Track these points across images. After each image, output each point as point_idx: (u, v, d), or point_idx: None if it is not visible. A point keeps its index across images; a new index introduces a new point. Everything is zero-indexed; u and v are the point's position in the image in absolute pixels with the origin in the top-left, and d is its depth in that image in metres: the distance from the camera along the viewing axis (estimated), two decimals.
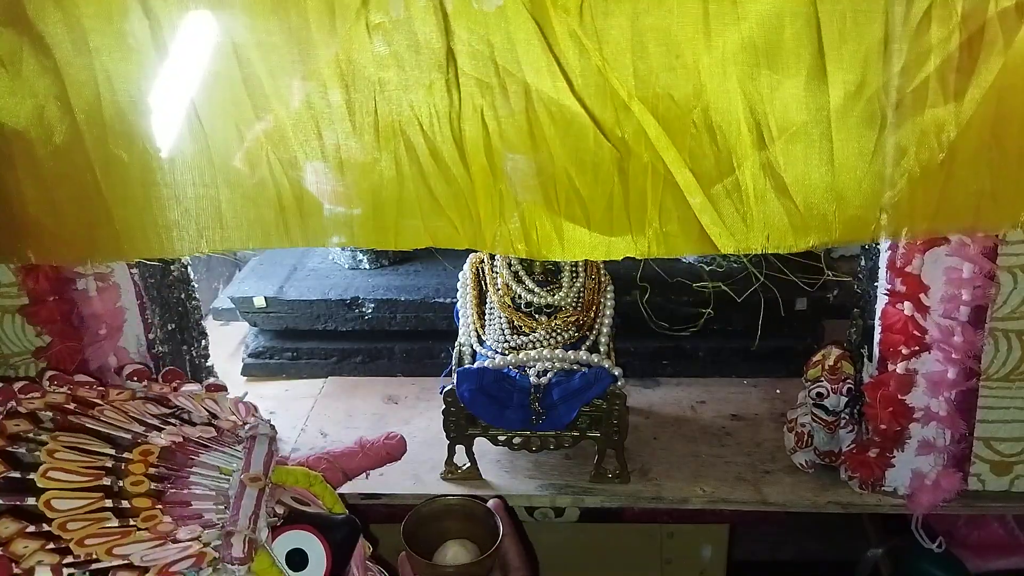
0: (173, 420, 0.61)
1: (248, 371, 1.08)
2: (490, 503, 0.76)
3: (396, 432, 0.88)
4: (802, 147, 0.58)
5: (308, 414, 1.00)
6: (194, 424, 0.61)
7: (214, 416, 0.63)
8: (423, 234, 0.64)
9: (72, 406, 0.59)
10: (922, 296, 0.72)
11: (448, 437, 0.86)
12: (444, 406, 0.84)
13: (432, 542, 0.73)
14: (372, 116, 0.59)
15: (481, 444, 0.86)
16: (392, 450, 0.87)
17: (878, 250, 0.76)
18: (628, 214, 0.61)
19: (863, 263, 0.83)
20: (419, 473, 0.88)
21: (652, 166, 0.60)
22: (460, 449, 0.86)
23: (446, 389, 0.84)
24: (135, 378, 0.65)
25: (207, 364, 0.98)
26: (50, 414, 0.57)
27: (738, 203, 0.60)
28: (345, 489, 0.85)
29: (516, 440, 0.85)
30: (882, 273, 0.75)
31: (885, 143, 0.59)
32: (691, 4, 0.56)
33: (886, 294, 0.74)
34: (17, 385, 0.59)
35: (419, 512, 0.74)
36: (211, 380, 0.67)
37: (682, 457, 0.90)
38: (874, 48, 0.56)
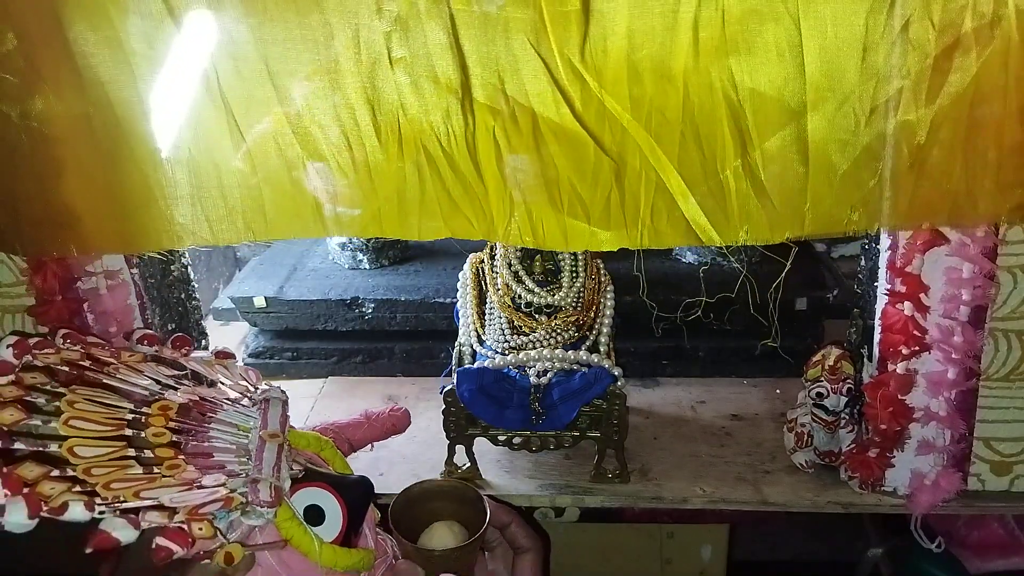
0: (186, 381, 0.61)
1: None
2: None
3: (401, 406, 0.87)
4: (779, 152, 0.64)
5: (308, 414, 1.00)
6: (208, 387, 0.61)
7: (225, 381, 0.63)
8: (443, 228, 0.70)
9: (87, 363, 0.58)
10: (922, 296, 0.72)
11: (448, 437, 0.86)
12: (444, 406, 0.84)
13: (420, 524, 0.73)
14: (396, 134, 0.66)
15: (481, 444, 0.86)
16: (397, 422, 0.87)
17: (878, 250, 0.76)
18: (624, 213, 0.68)
19: (863, 263, 0.83)
20: (419, 473, 0.88)
21: (645, 174, 0.66)
22: (460, 449, 0.86)
23: (446, 389, 0.84)
24: (145, 342, 0.65)
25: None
26: (66, 369, 0.57)
27: (721, 202, 0.66)
28: None
29: (516, 440, 0.85)
30: (882, 273, 0.75)
31: (857, 146, 0.63)
32: (683, 34, 0.61)
33: (886, 294, 0.74)
34: (32, 340, 0.58)
35: (407, 493, 0.73)
36: (220, 347, 0.67)
37: (682, 457, 0.90)
38: (853, 60, 0.60)
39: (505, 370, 0.84)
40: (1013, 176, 0.62)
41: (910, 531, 0.82)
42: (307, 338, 1.09)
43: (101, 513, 0.49)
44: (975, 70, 0.59)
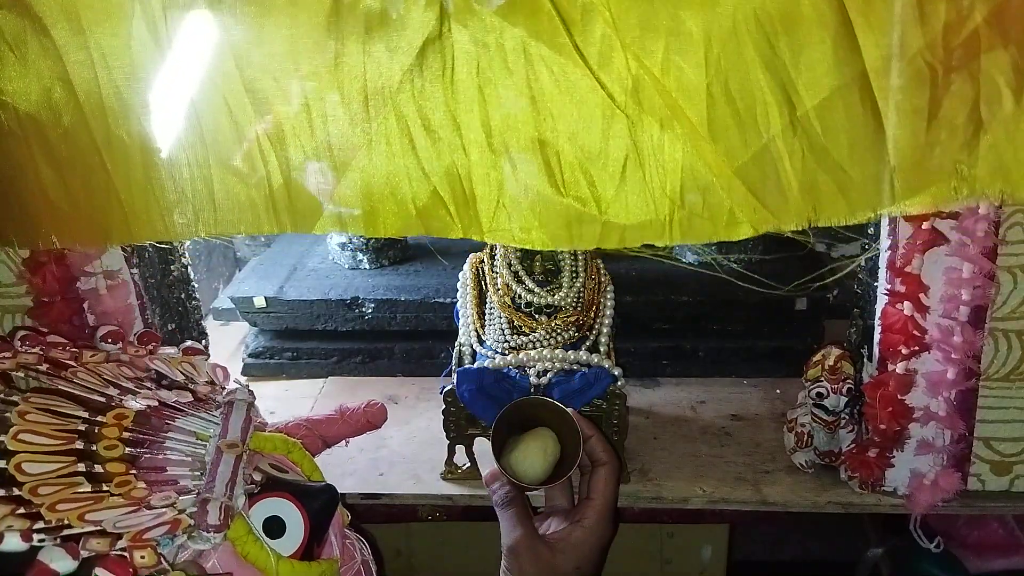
0: (148, 384, 0.59)
1: (248, 371, 1.08)
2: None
3: (377, 400, 0.86)
4: (841, 111, 0.53)
5: (308, 414, 0.99)
6: (170, 388, 0.59)
7: (191, 380, 0.61)
8: (413, 220, 0.61)
9: (44, 367, 0.57)
10: (922, 296, 0.72)
11: (448, 437, 0.86)
12: (444, 406, 0.84)
13: (523, 428, 0.75)
14: (362, 84, 0.56)
15: (481, 444, 0.86)
16: (372, 417, 0.85)
17: (878, 250, 0.76)
18: (645, 196, 0.56)
19: (863, 263, 0.83)
20: (419, 473, 0.88)
21: (668, 142, 0.54)
22: (460, 449, 0.86)
23: (446, 389, 0.84)
24: (110, 340, 0.63)
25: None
26: (22, 374, 0.55)
27: (773, 175, 0.54)
28: (345, 489, 0.85)
29: None
30: (882, 273, 0.75)
31: (943, 100, 0.53)
32: None
33: (886, 294, 0.74)
34: None
35: (517, 404, 0.75)
36: (188, 343, 0.65)
37: (682, 457, 0.90)
38: (907, 11, 0.51)
39: (505, 370, 0.84)
40: None
41: (910, 531, 0.83)
42: (307, 338, 1.08)
43: (41, 541, 0.48)
44: None
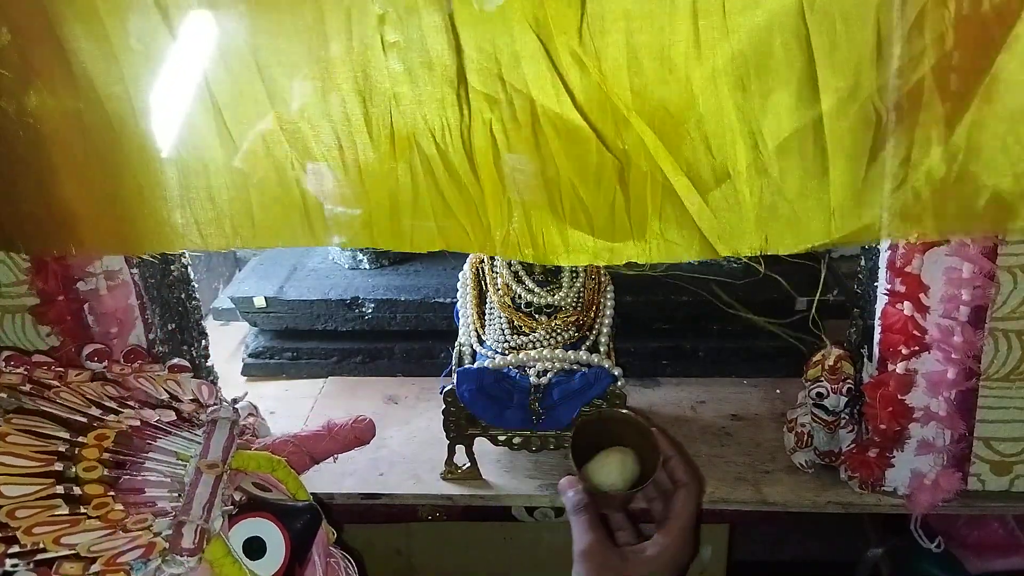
0: (132, 403, 0.59)
1: (248, 371, 1.08)
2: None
3: (365, 415, 0.86)
4: (796, 152, 0.60)
5: (308, 414, 1.00)
6: (154, 407, 0.59)
7: (175, 399, 0.61)
8: (436, 238, 0.68)
9: (28, 387, 0.57)
10: (922, 296, 0.72)
11: (448, 437, 0.86)
12: (444, 406, 0.84)
13: (600, 445, 0.74)
14: (389, 128, 0.63)
15: (481, 444, 0.86)
16: (360, 433, 0.85)
17: (878, 250, 0.76)
18: (630, 221, 0.64)
19: (863, 263, 0.83)
20: (419, 473, 0.88)
21: (651, 175, 0.62)
22: (460, 449, 0.86)
23: (446, 389, 0.84)
24: (95, 358, 0.63)
25: (207, 364, 0.98)
26: (4, 395, 0.56)
27: (736, 207, 0.62)
28: (345, 489, 0.85)
29: (516, 440, 0.85)
30: (882, 273, 0.75)
31: (883, 144, 0.59)
32: (682, 21, 0.59)
33: (886, 294, 0.74)
34: None
35: (591, 417, 0.76)
36: (174, 360, 0.65)
37: None
38: (867, 53, 0.57)
39: (505, 370, 0.84)
40: None
41: (910, 531, 0.83)
42: (307, 338, 1.08)
43: (14, 566, 0.48)
44: (1001, 47, 0.55)
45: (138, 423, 0.57)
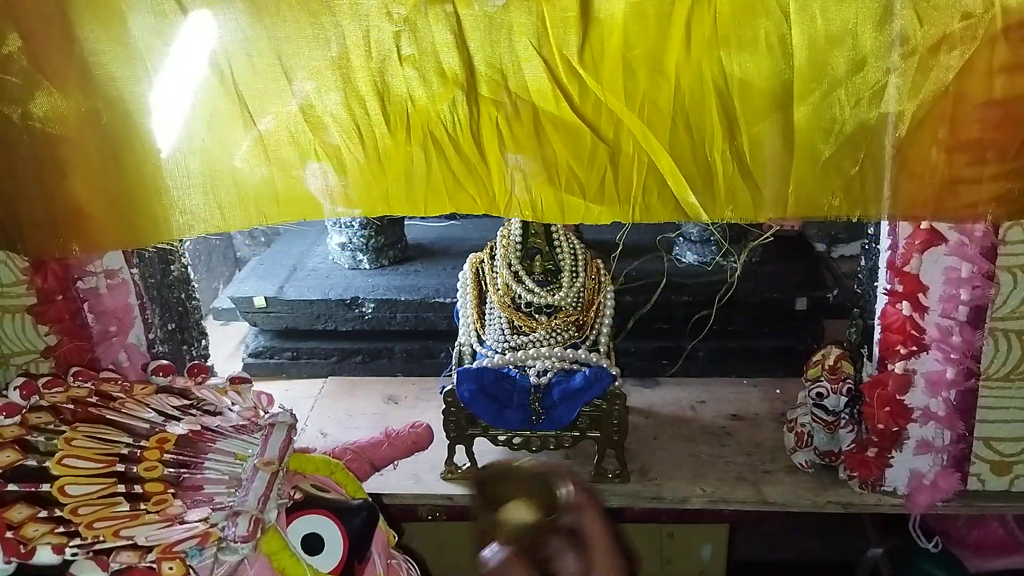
0: (194, 411, 0.61)
1: (248, 371, 1.07)
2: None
3: (422, 421, 0.87)
4: (765, 138, 0.67)
5: (308, 414, 1.00)
6: (215, 415, 0.62)
7: (236, 407, 0.63)
8: (447, 203, 0.74)
9: (94, 399, 0.59)
10: (921, 296, 0.72)
11: (448, 437, 0.86)
12: (444, 406, 0.84)
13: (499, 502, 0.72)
14: (405, 122, 0.70)
15: (481, 444, 0.86)
16: (419, 439, 0.86)
17: (878, 250, 0.76)
18: (617, 191, 0.72)
19: (863, 263, 0.83)
20: (419, 473, 0.88)
21: (638, 157, 0.70)
22: (460, 449, 0.86)
23: (446, 389, 0.84)
24: (160, 373, 0.65)
25: (207, 364, 0.98)
26: (71, 407, 0.58)
27: (708, 183, 0.69)
28: None
29: (516, 440, 0.85)
30: (882, 273, 0.75)
31: (841, 135, 0.65)
32: (676, 34, 0.64)
33: (885, 294, 0.74)
34: (41, 380, 0.60)
35: (488, 468, 0.73)
36: (235, 373, 0.67)
37: (682, 457, 0.90)
38: (840, 57, 0.63)
39: (505, 370, 0.84)
40: (995, 170, 0.63)
41: (909, 531, 0.83)
42: (307, 338, 1.09)
43: (73, 555, 0.50)
44: (959, 67, 0.60)
45: (199, 428, 0.59)
